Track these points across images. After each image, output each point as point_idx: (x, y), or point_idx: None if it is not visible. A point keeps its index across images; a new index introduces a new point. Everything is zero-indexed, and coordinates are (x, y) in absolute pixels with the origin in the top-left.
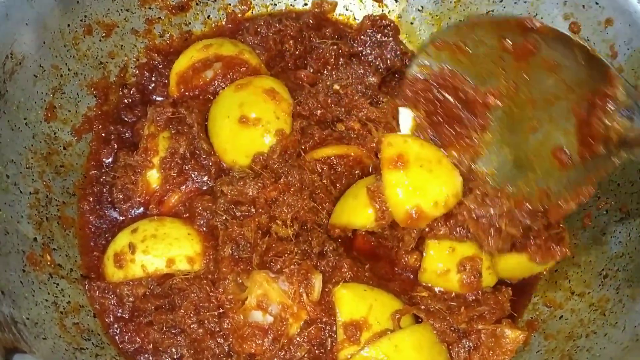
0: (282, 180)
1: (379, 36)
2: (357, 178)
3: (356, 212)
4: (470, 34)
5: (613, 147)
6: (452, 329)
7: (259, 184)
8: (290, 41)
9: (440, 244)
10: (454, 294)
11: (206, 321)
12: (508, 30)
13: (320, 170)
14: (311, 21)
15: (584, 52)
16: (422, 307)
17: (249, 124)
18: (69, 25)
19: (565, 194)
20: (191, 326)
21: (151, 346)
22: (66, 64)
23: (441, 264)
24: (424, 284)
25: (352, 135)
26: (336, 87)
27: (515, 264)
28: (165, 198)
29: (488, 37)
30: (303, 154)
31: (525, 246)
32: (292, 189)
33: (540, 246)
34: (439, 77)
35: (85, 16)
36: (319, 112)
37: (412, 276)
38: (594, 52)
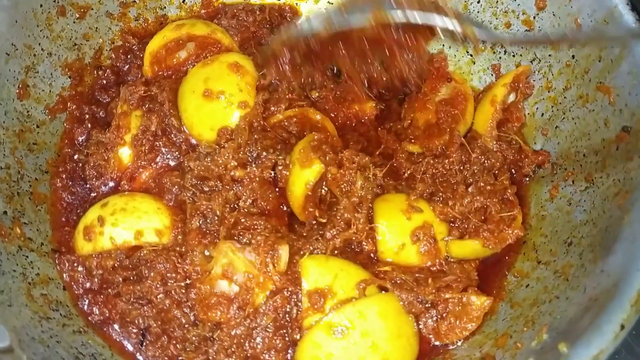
0: (248, 168)
1: None
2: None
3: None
4: None
5: None
6: (418, 300)
7: (225, 158)
8: (267, 26)
9: (389, 222)
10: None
11: (173, 292)
12: None
13: (281, 136)
14: (290, 14)
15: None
16: (388, 280)
17: (212, 97)
18: (41, 5)
19: None
20: (158, 296)
21: (118, 317)
22: (39, 44)
23: (395, 241)
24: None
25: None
26: None
27: (471, 250)
28: (136, 174)
29: None
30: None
31: (479, 232)
32: (255, 181)
33: (493, 231)
34: None
35: None
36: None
37: (373, 257)
38: None
